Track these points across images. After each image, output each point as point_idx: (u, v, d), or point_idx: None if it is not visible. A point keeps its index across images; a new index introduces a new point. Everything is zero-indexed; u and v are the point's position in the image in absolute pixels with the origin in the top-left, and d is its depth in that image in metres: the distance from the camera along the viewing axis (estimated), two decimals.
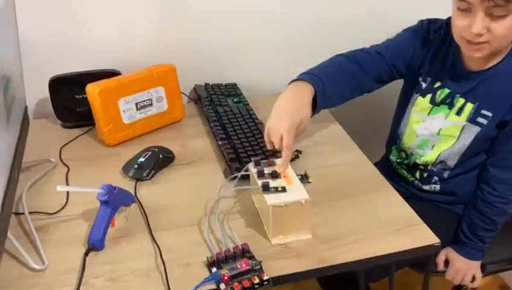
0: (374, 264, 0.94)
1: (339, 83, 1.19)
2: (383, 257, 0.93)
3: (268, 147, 1.07)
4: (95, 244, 0.94)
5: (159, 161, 1.18)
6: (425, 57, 1.22)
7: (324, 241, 0.96)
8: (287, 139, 1.01)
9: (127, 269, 0.90)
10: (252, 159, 1.03)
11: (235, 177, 1.03)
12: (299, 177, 1.00)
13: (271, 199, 0.92)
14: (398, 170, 1.33)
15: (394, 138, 1.34)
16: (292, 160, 1.19)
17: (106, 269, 0.90)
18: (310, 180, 0.99)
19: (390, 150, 1.36)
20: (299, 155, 1.22)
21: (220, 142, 1.24)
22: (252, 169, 1.02)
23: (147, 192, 1.11)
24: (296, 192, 0.94)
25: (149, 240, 0.97)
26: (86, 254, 0.92)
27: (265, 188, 0.94)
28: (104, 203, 0.96)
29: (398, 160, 1.33)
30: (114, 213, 0.98)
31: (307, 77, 1.14)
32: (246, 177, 1.04)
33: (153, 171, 1.16)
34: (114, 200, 0.97)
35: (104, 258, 0.93)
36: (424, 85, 1.22)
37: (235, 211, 1.04)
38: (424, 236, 0.97)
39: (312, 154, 1.24)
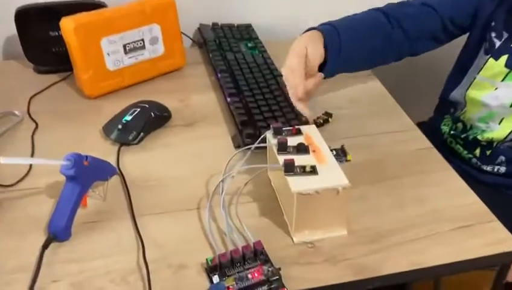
0: (432, 277, 0.69)
1: (366, 42, 0.97)
2: (445, 267, 0.69)
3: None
4: (56, 234, 0.70)
5: (151, 120, 0.92)
6: (500, 5, 0.93)
7: (364, 241, 0.71)
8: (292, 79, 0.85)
9: (99, 269, 0.67)
10: (271, 125, 0.77)
11: (248, 148, 0.78)
12: (334, 153, 0.75)
13: (296, 183, 0.67)
14: (451, 143, 1.07)
15: (447, 106, 1.07)
16: (320, 125, 0.93)
17: (71, 269, 0.67)
18: (348, 157, 0.74)
19: (441, 118, 1.09)
20: (329, 119, 0.95)
21: (229, 99, 0.98)
22: (271, 139, 0.76)
23: (133, 161, 0.86)
24: (331, 175, 0.69)
25: (131, 229, 0.73)
26: (45, 247, 0.68)
27: (289, 167, 0.69)
28: (70, 179, 0.72)
29: (452, 132, 1.06)
30: (85, 191, 0.74)
31: (322, 27, 0.93)
32: (262, 148, 0.79)
33: (142, 134, 0.90)
34: (85, 174, 0.73)
35: (68, 253, 0.69)
36: (497, 43, 0.94)
37: (246, 193, 0.79)
38: (498, 238, 0.72)
39: (346, 118, 0.97)
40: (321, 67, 0.93)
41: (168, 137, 0.93)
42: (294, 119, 0.89)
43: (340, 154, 0.75)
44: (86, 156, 0.73)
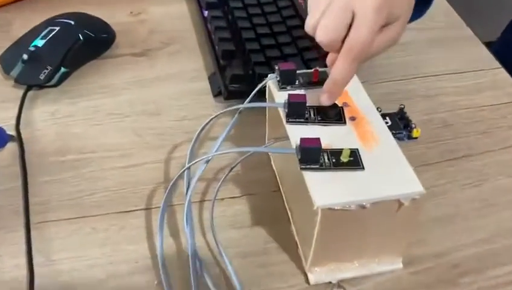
0: None
1: None
2: None
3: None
4: None
5: (78, 47, 0.57)
6: None
7: (432, 280, 0.40)
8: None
9: None
10: (276, 66, 0.43)
11: (236, 108, 0.44)
12: (387, 121, 0.41)
13: (322, 188, 0.34)
14: None
15: None
16: None
17: None
18: (415, 133, 0.41)
19: None
20: None
21: (206, 13, 0.62)
22: (275, 92, 0.42)
23: (45, 118, 0.53)
24: (389, 170, 0.36)
25: (20, 246, 0.41)
26: None
27: (309, 155, 0.35)
28: None
29: None
30: None
31: None
32: (260, 96, 0.45)
33: (63, 71, 0.56)
34: None
35: None
36: None
37: (230, 187, 0.46)
38: None
39: (396, 56, 0.62)
40: None
41: (108, 76, 0.58)
42: (314, 60, 0.54)
43: (399, 124, 0.42)
44: None
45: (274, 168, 0.47)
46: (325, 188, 0.34)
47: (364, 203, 0.34)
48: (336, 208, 0.33)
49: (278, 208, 0.44)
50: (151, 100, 0.55)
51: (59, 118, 0.53)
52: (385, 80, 0.58)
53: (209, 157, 0.39)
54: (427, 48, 0.63)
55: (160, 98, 0.55)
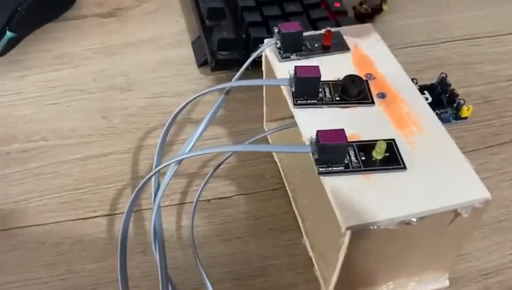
0: None
1: None
2: None
3: None
4: None
5: (28, 5, 0.46)
6: None
7: None
8: None
9: None
10: (276, 27, 0.32)
11: (224, 87, 0.33)
12: (426, 97, 0.31)
13: (348, 205, 0.24)
14: None
15: None
16: (365, 17, 0.48)
17: None
18: (464, 111, 0.31)
19: None
20: (384, 4, 0.49)
21: None
22: (276, 63, 0.31)
23: None
24: (439, 168, 0.26)
25: None
26: None
27: (328, 155, 0.25)
28: None
29: None
30: None
31: None
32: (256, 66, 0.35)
33: (8, 36, 0.45)
34: None
35: None
36: None
37: (217, 188, 0.36)
38: None
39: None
40: None
41: (67, 42, 0.47)
42: (323, 20, 0.43)
43: (442, 100, 0.31)
44: None
45: (276, 159, 0.37)
46: (355, 201, 0.24)
47: (409, 219, 0.24)
48: (368, 227, 0.23)
49: (283, 212, 0.34)
50: (121, 72, 0.44)
51: (3, 96, 0.42)
52: (406, 46, 0.47)
53: (181, 158, 0.29)
54: (458, 5, 0.53)
55: (132, 70, 0.44)
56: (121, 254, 0.29)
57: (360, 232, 0.24)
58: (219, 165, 0.35)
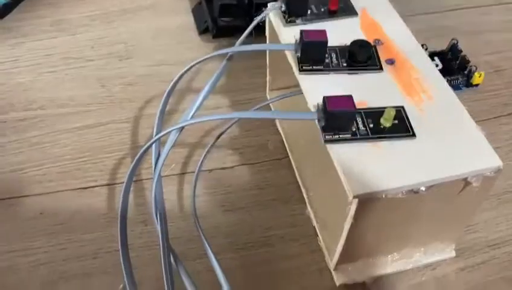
0: None
1: None
2: None
3: None
4: None
5: None
6: None
7: (492, 275, 0.30)
8: None
9: None
10: None
11: (225, 53, 0.31)
12: (436, 63, 0.30)
13: (356, 169, 0.23)
14: None
15: None
16: None
17: None
18: (476, 78, 0.30)
19: None
20: None
21: None
22: (279, 26, 0.30)
23: None
24: (451, 138, 0.25)
25: None
26: None
27: (336, 122, 0.24)
28: None
29: None
30: None
31: None
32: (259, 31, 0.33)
33: (2, 2, 0.43)
34: None
35: None
36: None
37: (219, 158, 0.35)
38: None
39: None
40: None
41: (64, 8, 0.45)
42: None
43: (452, 67, 0.30)
44: None
45: (280, 129, 0.36)
46: (362, 170, 0.23)
47: (417, 188, 0.23)
48: (376, 196, 0.23)
49: (287, 182, 0.34)
50: (120, 40, 0.43)
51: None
52: (412, 14, 0.45)
53: (183, 125, 0.28)
54: None
55: (131, 38, 0.43)
56: (121, 224, 0.29)
57: (367, 201, 0.23)
58: (221, 134, 0.34)
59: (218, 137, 0.35)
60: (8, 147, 0.36)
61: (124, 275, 0.27)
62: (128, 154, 0.35)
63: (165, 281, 0.26)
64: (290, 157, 0.35)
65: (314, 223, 0.31)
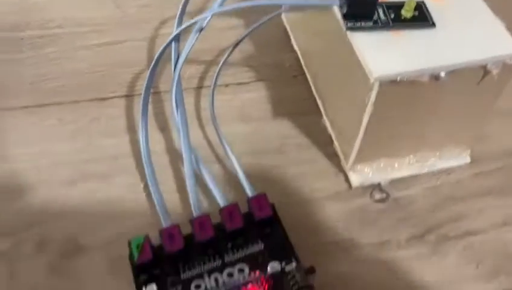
0: None
1: None
2: None
3: None
4: None
5: None
6: None
7: (506, 182, 0.31)
8: None
9: None
10: None
11: None
12: None
13: (377, 54, 0.24)
14: None
15: None
16: None
17: None
18: None
19: None
20: None
21: None
22: None
23: None
24: (470, 27, 0.25)
25: None
26: None
27: (355, 6, 0.24)
28: None
29: None
30: None
31: None
32: None
33: None
34: None
35: None
36: None
37: (234, 74, 0.36)
38: None
39: None
40: None
41: None
42: None
43: None
44: None
45: (296, 47, 0.36)
46: (383, 55, 0.24)
47: (439, 73, 0.23)
48: (399, 79, 0.23)
49: (303, 98, 0.34)
50: None
51: None
52: None
53: (207, 17, 0.28)
54: None
55: None
56: (143, 126, 0.29)
57: (388, 86, 0.23)
58: (235, 45, 0.34)
59: (232, 50, 0.34)
60: (26, 62, 0.36)
61: (147, 174, 0.28)
62: (146, 69, 0.35)
63: (186, 179, 0.27)
64: (306, 73, 0.35)
65: (330, 130, 0.32)
